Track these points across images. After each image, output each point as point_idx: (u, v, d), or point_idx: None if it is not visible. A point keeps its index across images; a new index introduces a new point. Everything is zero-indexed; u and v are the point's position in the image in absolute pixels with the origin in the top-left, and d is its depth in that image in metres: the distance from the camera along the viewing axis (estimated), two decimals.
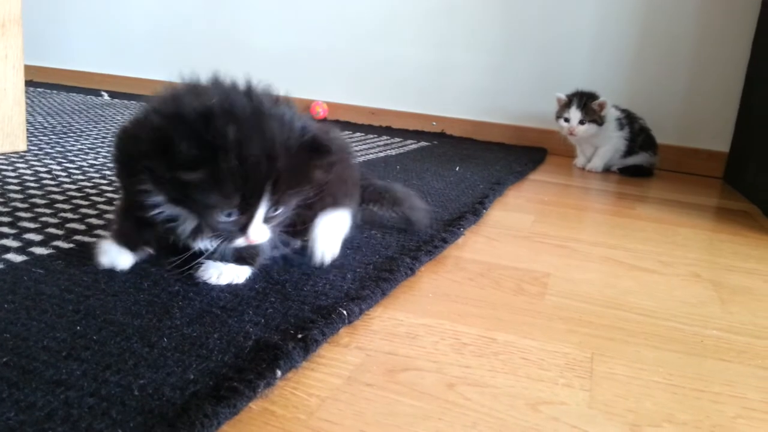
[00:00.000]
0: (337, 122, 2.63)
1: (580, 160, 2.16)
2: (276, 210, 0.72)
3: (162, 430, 0.46)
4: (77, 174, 1.28)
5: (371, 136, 2.29)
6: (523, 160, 2.05)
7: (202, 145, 0.63)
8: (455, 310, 0.79)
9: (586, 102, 2.00)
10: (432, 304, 0.81)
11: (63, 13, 3.07)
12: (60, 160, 1.40)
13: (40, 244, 0.86)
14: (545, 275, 0.96)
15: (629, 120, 2.07)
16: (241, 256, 0.78)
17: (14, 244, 0.85)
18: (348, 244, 0.96)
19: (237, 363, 0.58)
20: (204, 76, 0.77)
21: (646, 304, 0.87)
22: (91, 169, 1.34)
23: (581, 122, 2.00)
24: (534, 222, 1.30)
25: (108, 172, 1.32)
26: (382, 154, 1.90)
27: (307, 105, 2.70)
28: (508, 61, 2.46)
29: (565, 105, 2.04)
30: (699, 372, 0.68)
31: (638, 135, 2.07)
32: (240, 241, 0.71)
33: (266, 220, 0.71)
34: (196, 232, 0.75)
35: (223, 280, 0.77)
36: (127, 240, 0.79)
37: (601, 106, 1.99)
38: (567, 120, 2.03)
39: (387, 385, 0.59)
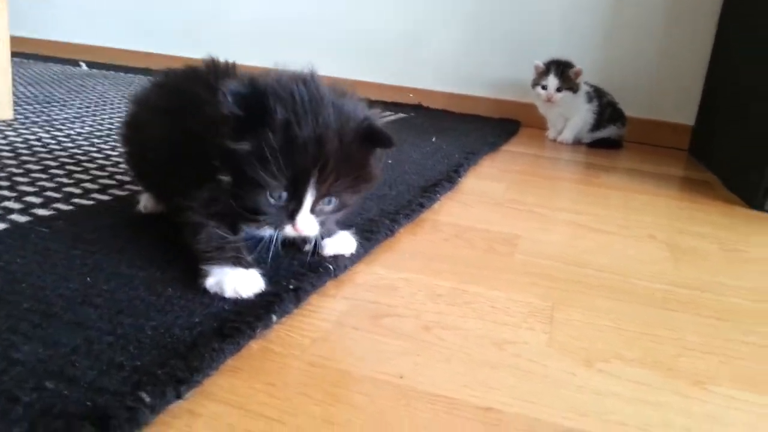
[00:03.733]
0: None
1: (551, 132, 2.24)
2: (328, 202, 0.72)
3: (176, 362, 0.53)
4: (66, 142, 1.32)
5: None
6: (497, 131, 2.13)
7: (250, 119, 0.65)
8: (431, 266, 0.87)
9: (563, 70, 2.07)
10: (410, 261, 0.88)
11: None
12: (47, 128, 1.43)
13: (41, 206, 0.91)
14: (515, 237, 1.04)
15: (598, 94, 2.15)
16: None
17: (16, 206, 0.90)
18: None
19: (237, 309, 0.65)
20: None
21: (604, 262, 0.95)
22: (79, 137, 1.37)
23: (558, 89, 2.07)
24: (506, 190, 1.38)
25: (97, 140, 1.36)
26: None
27: None
28: (483, 34, 2.52)
29: (543, 73, 2.10)
30: (646, 319, 0.76)
31: (606, 108, 2.15)
32: (288, 230, 0.71)
33: (316, 211, 0.71)
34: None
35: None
36: (235, 256, 0.71)
37: (577, 73, 2.06)
38: (544, 87, 2.09)
39: (371, 328, 0.67)
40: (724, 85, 1.95)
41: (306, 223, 0.70)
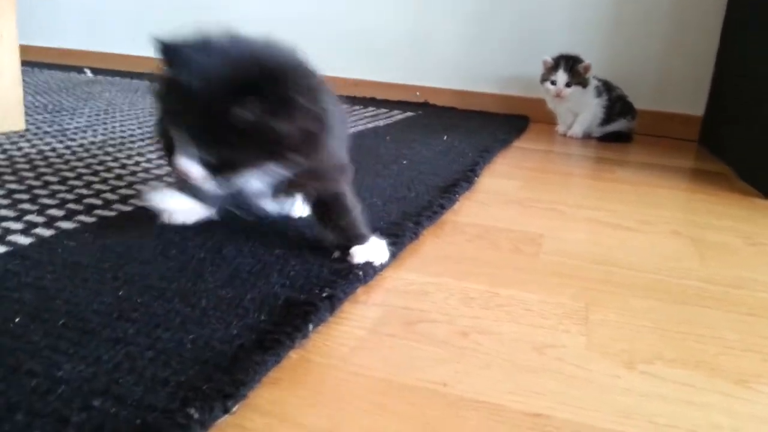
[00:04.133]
0: None
1: (561, 127, 2.23)
2: (212, 152, 0.69)
3: (220, 376, 0.53)
4: (81, 152, 1.32)
5: (357, 107, 2.34)
6: (507, 128, 2.12)
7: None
8: (459, 269, 0.86)
9: (572, 65, 2.07)
10: (437, 265, 0.87)
11: None
12: (60, 138, 1.43)
13: (64, 218, 0.90)
14: (538, 236, 1.03)
15: (607, 88, 2.14)
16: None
17: (39, 219, 0.89)
18: None
19: (273, 319, 0.64)
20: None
21: (631, 259, 0.95)
22: (93, 146, 1.37)
23: (568, 84, 2.07)
24: (521, 187, 1.37)
25: (111, 149, 1.36)
26: (371, 125, 1.95)
27: None
28: (487, 30, 2.51)
29: (552, 68, 2.10)
30: (683, 317, 0.76)
31: (615, 102, 2.14)
32: (177, 171, 0.71)
33: (202, 159, 0.69)
34: None
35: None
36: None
37: (586, 68, 2.06)
38: (554, 83, 2.09)
39: (406, 335, 0.66)
40: (734, 73, 1.94)
41: (185, 166, 0.69)
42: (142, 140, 1.47)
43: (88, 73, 2.72)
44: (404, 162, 1.45)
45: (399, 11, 2.60)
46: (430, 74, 2.63)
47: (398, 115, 2.23)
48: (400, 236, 0.92)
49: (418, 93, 2.65)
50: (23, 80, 2.33)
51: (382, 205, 1.09)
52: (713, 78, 2.20)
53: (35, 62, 2.95)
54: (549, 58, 2.12)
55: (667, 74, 2.31)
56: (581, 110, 2.15)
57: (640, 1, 2.29)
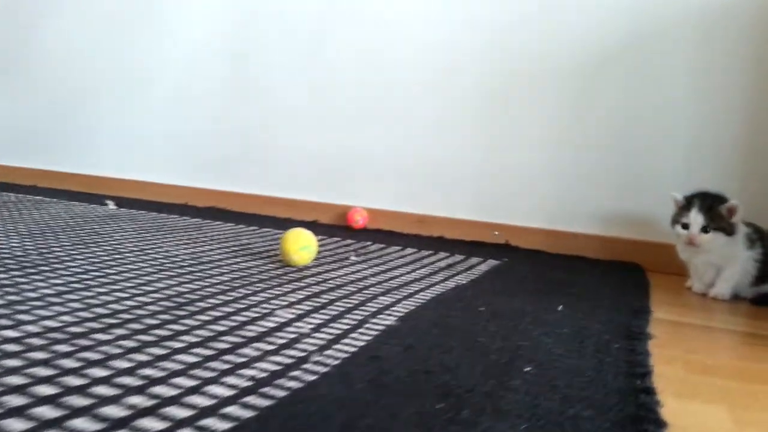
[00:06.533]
0: (379, 232, 2.22)
1: (695, 284, 1.70)
2: None
3: None
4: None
5: (425, 252, 1.87)
6: (624, 285, 1.61)
7: None
8: None
9: (711, 205, 1.58)
10: None
11: (74, 116, 2.77)
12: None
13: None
14: None
15: (760, 236, 1.63)
16: None
17: None
18: None
19: None
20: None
21: None
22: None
23: (705, 229, 1.57)
24: (737, 421, 0.83)
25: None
26: (450, 283, 1.46)
27: (344, 212, 2.31)
28: (584, 162, 2.06)
29: (684, 207, 1.62)
30: None
31: None
32: None
33: None
34: None
35: None
36: None
37: (731, 210, 1.56)
38: (686, 227, 1.60)
39: None
40: None
41: None
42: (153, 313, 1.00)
43: (111, 205, 2.34)
44: (527, 369, 0.93)
45: (474, 143, 2.19)
46: (512, 210, 2.18)
47: (479, 264, 1.75)
48: None
49: (496, 232, 2.18)
50: (30, 212, 1.84)
51: None
52: None
53: (62, 190, 2.61)
54: (679, 196, 1.65)
55: None
56: (726, 264, 1.62)
57: None
